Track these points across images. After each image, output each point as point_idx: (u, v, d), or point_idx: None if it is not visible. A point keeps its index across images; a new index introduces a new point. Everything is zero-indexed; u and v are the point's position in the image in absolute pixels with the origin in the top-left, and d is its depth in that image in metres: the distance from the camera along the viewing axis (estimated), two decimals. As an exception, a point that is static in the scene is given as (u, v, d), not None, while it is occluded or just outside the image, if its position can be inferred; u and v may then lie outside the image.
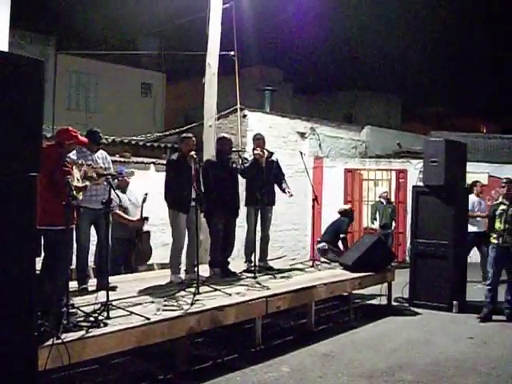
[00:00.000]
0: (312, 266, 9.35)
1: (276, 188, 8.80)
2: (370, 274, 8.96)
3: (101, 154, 7.03)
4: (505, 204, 8.45)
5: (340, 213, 11.03)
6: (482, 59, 25.22)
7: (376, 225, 14.00)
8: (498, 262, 8.43)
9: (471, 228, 10.61)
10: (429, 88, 26.91)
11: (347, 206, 12.08)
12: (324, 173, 15.74)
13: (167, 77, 25.87)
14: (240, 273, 8.26)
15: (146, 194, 8.36)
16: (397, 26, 21.41)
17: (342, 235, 10.63)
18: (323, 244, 10.43)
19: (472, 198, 11.01)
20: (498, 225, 8.38)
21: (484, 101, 27.97)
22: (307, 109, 27.47)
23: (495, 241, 8.43)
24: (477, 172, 14.02)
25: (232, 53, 11.98)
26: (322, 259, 10.04)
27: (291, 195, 8.71)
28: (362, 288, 8.99)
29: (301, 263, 9.77)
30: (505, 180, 8.64)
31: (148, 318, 5.37)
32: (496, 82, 27.15)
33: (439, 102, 30.36)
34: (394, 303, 9.57)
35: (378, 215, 13.95)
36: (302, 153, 9.62)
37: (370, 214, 14.66)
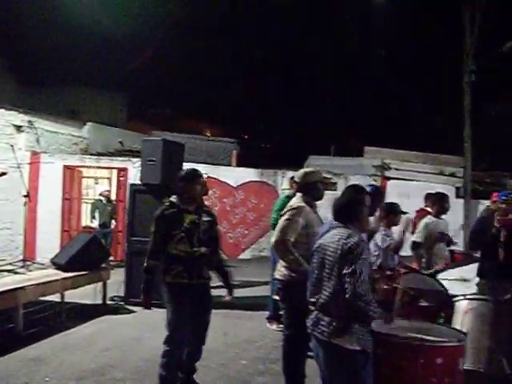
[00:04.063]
0: (23, 267, 8.83)
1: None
2: (85, 273, 8.74)
3: None
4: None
5: None
6: (218, 65, 26.42)
7: (95, 223, 13.76)
8: None
9: None
10: (157, 89, 27.27)
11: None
12: (41, 169, 15.00)
13: None
14: None
15: None
16: (130, 24, 21.39)
17: None
18: None
19: None
20: None
21: (210, 106, 29.30)
22: (32, 102, 26.01)
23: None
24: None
25: None
26: None
27: None
28: (76, 288, 8.70)
29: (10, 264, 9.18)
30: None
31: None
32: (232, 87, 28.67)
33: (167, 103, 31.02)
34: (109, 302, 9.46)
35: (97, 214, 13.73)
36: (13, 146, 9.04)
37: (89, 212, 14.35)
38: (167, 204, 5.46)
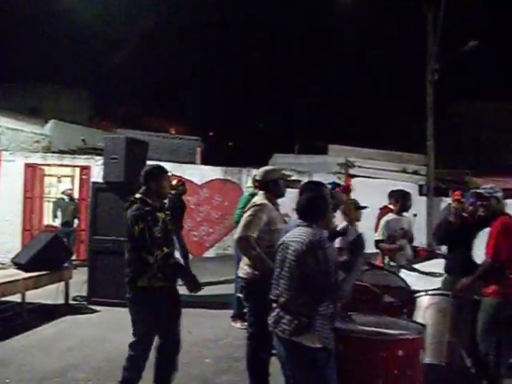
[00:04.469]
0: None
1: None
2: (46, 272, 8.61)
3: None
4: None
5: None
6: (183, 63, 26.29)
7: (57, 222, 13.56)
8: None
9: None
10: (124, 87, 27.00)
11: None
12: (2, 167, 14.76)
13: None
14: None
15: None
16: (96, 23, 21.16)
17: None
18: None
19: None
20: None
21: (175, 104, 29.16)
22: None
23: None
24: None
25: None
26: None
27: None
28: (38, 288, 8.56)
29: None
30: None
31: None
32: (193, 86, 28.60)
33: (132, 101, 30.77)
34: (72, 302, 9.34)
35: (59, 212, 13.53)
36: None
37: (51, 211, 14.14)
38: (138, 201, 5.09)
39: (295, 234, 3.98)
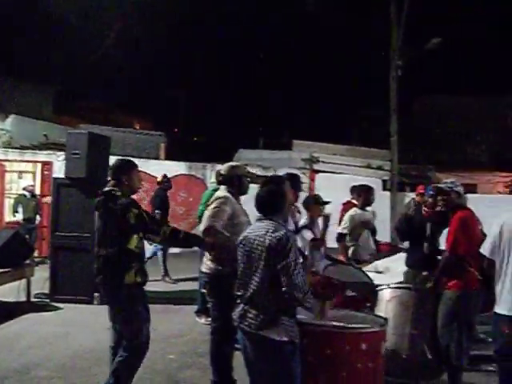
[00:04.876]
0: None
1: None
2: (7, 270, 8.48)
3: None
4: None
5: None
6: (147, 57, 26.02)
7: (18, 217, 13.34)
8: None
9: None
10: (87, 82, 26.60)
11: None
12: (-39, 163, 14.49)
13: None
14: None
15: None
16: (59, 14, 20.85)
17: None
18: None
19: None
20: None
21: (140, 99, 28.85)
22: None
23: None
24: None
25: None
26: None
27: None
28: (-2, 285, 8.46)
29: None
30: None
31: None
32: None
33: (97, 96, 30.36)
34: (33, 300, 9.19)
35: (20, 209, 13.31)
36: None
37: (12, 207, 13.90)
38: (115, 194, 4.84)
39: (258, 229, 3.98)
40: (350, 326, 4.35)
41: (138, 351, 4.92)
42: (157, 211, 10.74)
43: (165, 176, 11.69)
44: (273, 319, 3.81)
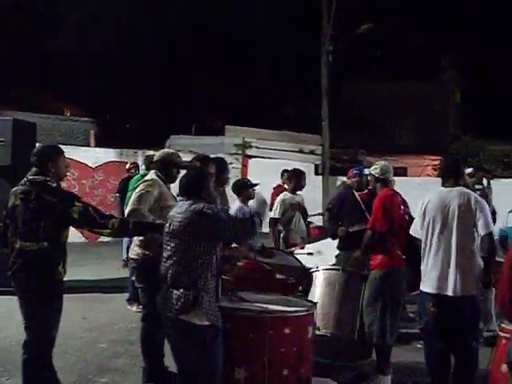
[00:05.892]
0: None
1: None
2: None
3: None
4: None
5: None
6: (78, 42, 25.37)
7: None
8: None
9: None
10: (14, 68, 25.73)
11: None
12: None
13: None
14: None
15: None
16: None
17: None
18: None
19: None
20: None
21: (70, 86, 28.10)
22: None
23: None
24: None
25: None
26: None
27: None
28: None
29: None
30: None
31: None
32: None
33: (27, 83, 29.41)
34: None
35: None
36: None
37: None
38: (45, 183, 4.46)
39: (178, 209, 4.04)
40: (272, 310, 4.38)
41: (45, 350, 4.53)
42: (117, 194, 10.85)
43: (133, 163, 11.59)
44: (193, 302, 3.81)
